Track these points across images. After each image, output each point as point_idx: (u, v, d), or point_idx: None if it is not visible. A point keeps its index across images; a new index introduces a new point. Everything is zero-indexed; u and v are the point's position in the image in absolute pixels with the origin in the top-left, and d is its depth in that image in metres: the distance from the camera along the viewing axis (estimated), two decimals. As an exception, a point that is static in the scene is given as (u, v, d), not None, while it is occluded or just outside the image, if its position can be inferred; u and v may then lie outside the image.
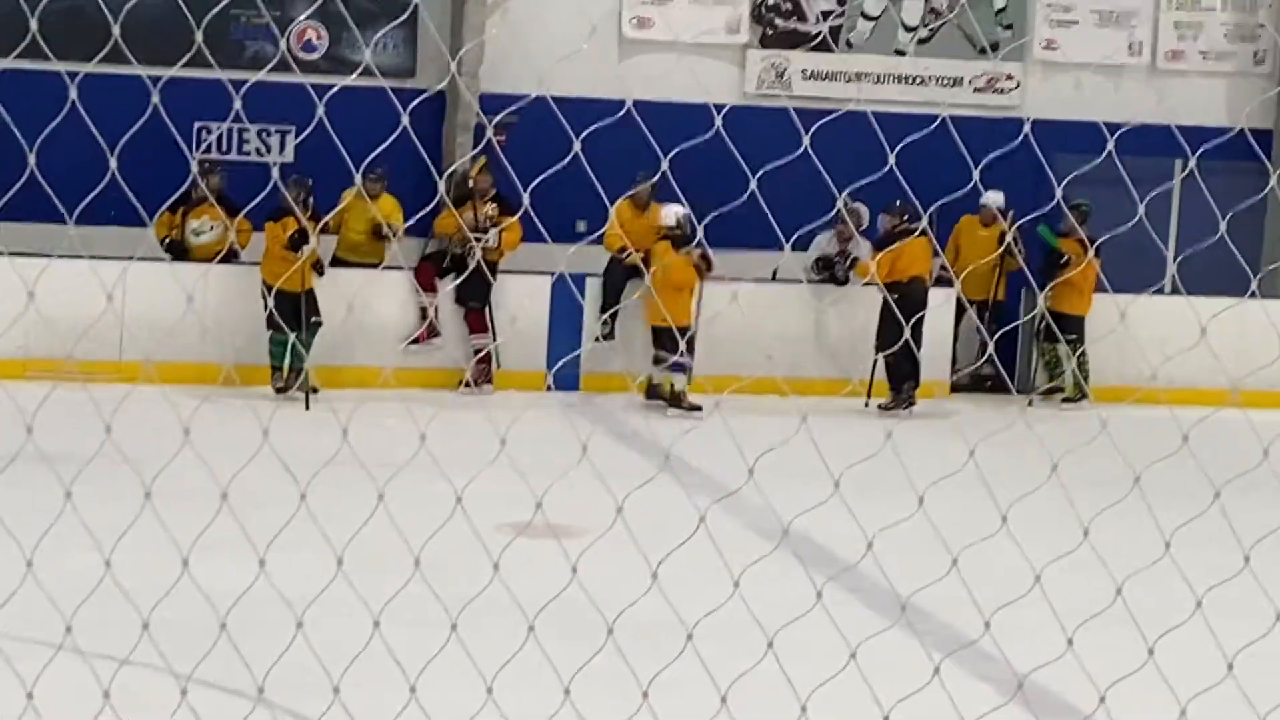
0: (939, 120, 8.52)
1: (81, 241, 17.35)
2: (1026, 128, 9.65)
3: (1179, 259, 9.22)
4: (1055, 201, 19.94)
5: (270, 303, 19.89)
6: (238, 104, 19.55)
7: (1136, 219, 7.54)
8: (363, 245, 21.99)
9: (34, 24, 6.00)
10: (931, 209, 7.96)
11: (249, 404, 18.21)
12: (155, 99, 5.88)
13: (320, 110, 6.25)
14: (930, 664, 7.33)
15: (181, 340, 19.85)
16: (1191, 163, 7.61)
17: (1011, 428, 18.78)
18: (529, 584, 6.84)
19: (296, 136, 22.51)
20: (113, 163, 5.81)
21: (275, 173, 20.96)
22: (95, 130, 6.14)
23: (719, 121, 7.12)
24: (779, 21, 24.52)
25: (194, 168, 22.18)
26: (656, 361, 21.52)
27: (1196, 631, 6.95)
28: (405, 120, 6.72)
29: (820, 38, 24.55)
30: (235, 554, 6.15)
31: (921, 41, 24.86)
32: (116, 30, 6.30)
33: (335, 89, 7.45)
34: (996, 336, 22.41)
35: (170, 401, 6.82)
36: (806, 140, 6.55)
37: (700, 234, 21.10)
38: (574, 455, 7.31)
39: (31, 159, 5.70)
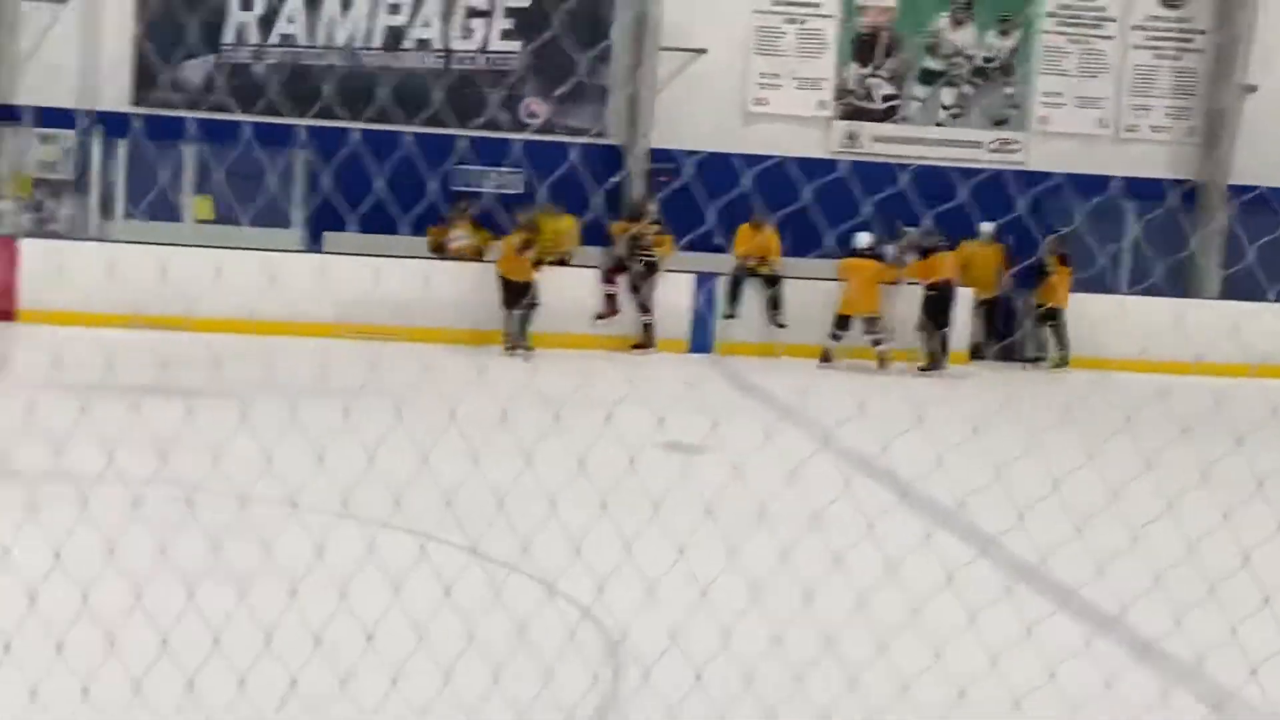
0: (990, 173, 8.53)
1: (386, 245, 17.47)
2: (1047, 183, 9.68)
3: (1156, 271, 9.16)
4: (1062, 231, 19.81)
5: (506, 288, 20.11)
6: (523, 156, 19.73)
7: (1124, 242, 7.53)
8: (551, 252, 22.01)
9: (383, 94, 6.06)
10: (985, 233, 7.91)
11: (494, 359, 18.49)
12: (462, 144, 5.98)
13: (584, 159, 6.32)
14: (977, 548, 7.31)
15: (454, 313, 20.14)
16: (1172, 205, 7.58)
17: (1019, 384, 18.78)
18: (689, 481, 6.89)
19: (525, 176, 22.59)
20: (434, 183, 5.90)
21: (542, 196, 20.97)
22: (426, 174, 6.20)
23: (841, 170, 7.15)
24: (854, 101, 24.42)
25: (490, 198, 22.28)
26: (834, 338, 21.66)
27: (1165, 527, 6.91)
28: (630, 168, 6.77)
29: (882, 112, 24.48)
30: (501, 457, 6.18)
31: (954, 116, 24.70)
32: (438, 100, 6.39)
33: (575, 146, 7.52)
34: (1027, 321, 22.73)
35: (453, 354, 6.89)
36: (907, 179, 6.56)
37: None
38: (712, 396, 7.38)
39: (379, 183, 5.77)
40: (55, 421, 6.55)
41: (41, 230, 21.22)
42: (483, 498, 6.36)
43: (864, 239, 21.17)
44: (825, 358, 21.63)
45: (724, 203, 17.00)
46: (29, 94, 21.95)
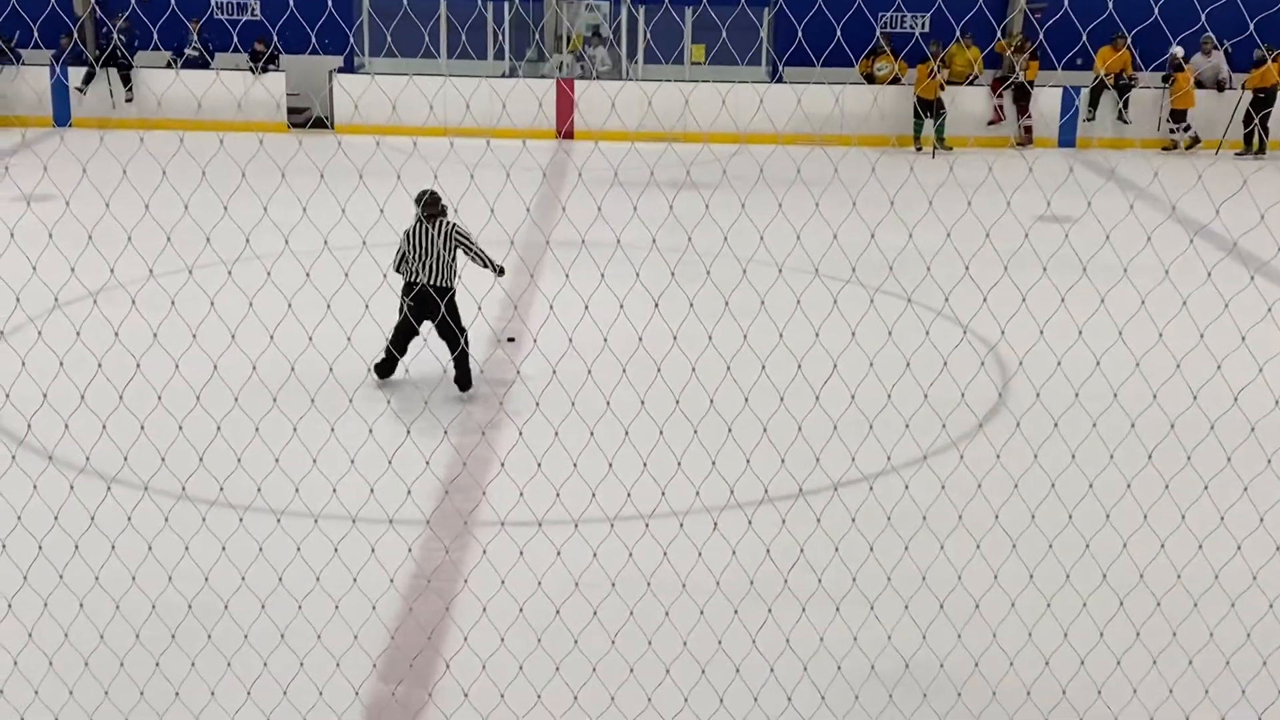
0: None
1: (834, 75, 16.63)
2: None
3: None
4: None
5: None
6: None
7: None
8: (961, 75, 20.95)
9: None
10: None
11: (910, 157, 17.79)
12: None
13: (981, 1, 5.74)
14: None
15: (880, 124, 19.56)
16: None
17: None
18: (1065, 244, 6.30)
19: (933, 17, 21.69)
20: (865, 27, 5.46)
21: (949, 33, 20.05)
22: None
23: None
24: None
25: (906, 36, 21.46)
26: (1171, 131, 20.65)
27: None
28: (1013, 7, 6.13)
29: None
30: (923, 229, 5.75)
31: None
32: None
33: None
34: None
35: (882, 154, 6.38)
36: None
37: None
38: (1078, 178, 6.72)
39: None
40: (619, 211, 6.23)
41: (587, 74, 21.48)
42: (915, 258, 5.99)
43: (1179, 51, 20.08)
44: (1167, 146, 20.47)
45: (1088, 30, 15.85)
46: (578, -22, 22.32)
